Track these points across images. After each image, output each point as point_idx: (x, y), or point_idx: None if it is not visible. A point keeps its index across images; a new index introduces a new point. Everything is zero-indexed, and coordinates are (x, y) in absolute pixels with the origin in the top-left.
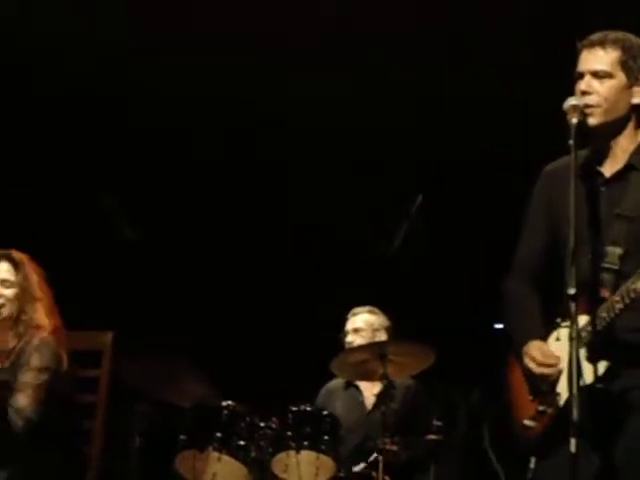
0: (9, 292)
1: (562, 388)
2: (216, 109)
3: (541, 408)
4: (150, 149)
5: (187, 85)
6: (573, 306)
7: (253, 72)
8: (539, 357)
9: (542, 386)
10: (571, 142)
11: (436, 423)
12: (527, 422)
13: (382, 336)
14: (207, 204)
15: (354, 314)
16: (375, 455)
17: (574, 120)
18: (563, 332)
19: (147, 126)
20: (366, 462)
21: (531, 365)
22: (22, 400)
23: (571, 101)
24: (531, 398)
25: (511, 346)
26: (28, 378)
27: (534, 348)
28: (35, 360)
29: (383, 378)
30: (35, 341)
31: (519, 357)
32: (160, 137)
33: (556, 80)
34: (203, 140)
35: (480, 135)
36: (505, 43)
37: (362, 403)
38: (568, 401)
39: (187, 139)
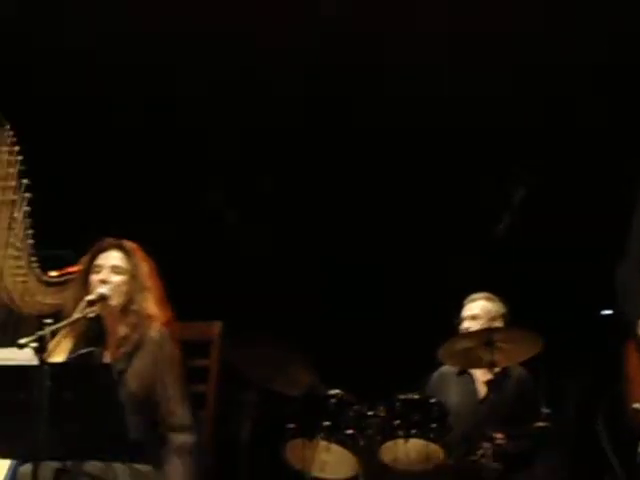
0: (118, 278)
1: None
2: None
3: None
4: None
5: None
6: None
7: None
8: None
9: None
10: None
11: (545, 410)
12: (636, 406)
13: (498, 323)
14: (318, 189)
15: (471, 300)
16: (485, 444)
17: None
18: None
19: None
20: (475, 451)
21: None
22: (179, 406)
23: None
24: None
25: (628, 333)
26: (173, 390)
27: None
28: (168, 367)
29: (490, 365)
30: (154, 335)
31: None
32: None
33: None
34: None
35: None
36: None
37: (474, 390)
38: None
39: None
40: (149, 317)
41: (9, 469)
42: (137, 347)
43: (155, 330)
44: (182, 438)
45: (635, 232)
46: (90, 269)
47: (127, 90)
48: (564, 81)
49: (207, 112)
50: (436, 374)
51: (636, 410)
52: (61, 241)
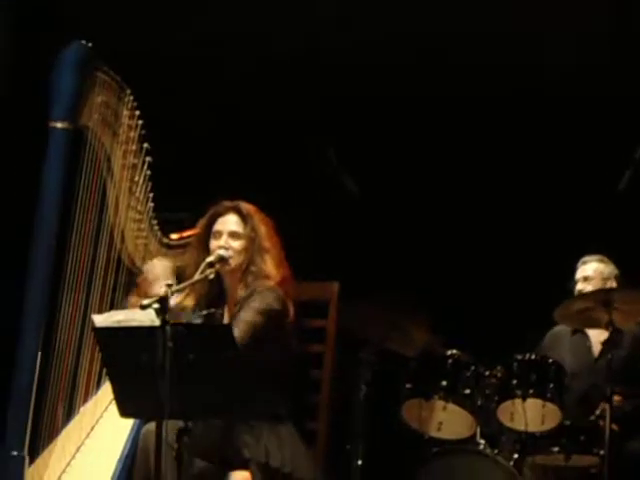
0: (237, 244)
1: None
2: None
3: None
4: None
5: None
6: None
7: None
8: None
9: None
10: None
11: None
12: None
13: (611, 284)
14: (429, 154)
15: (584, 262)
16: (602, 405)
17: None
18: None
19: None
20: (593, 411)
21: None
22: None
23: None
24: None
25: None
26: (245, 314)
27: None
28: (256, 302)
29: (608, 326)
30: (261, 287)
31: None
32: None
33: None
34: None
35: None
36: None
37: (590, 349)
38: None
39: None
40: (266, 277)
41: (132, 429)
42: (244, 301)
43: (265, 285)
44: None
45: None
46: (209, 233)
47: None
48: None
49: None
50: (550, 334)
51: None
52: (180, 204)
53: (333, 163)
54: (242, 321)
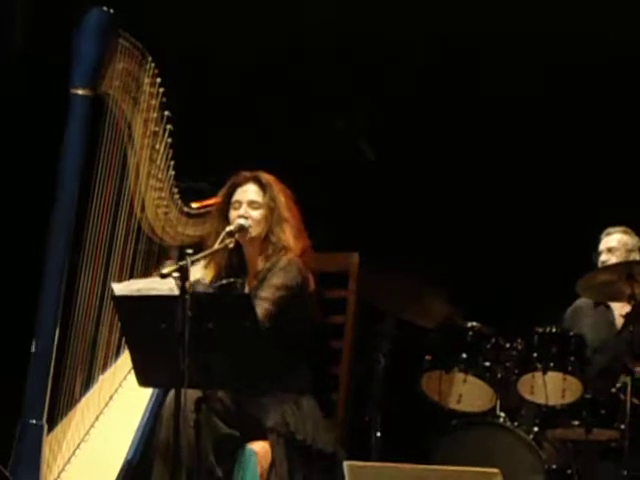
0: (257, 213)
1: None
2: None
3: None
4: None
5: None
6: None
7: None
8: None
9: None
10: None
11: None
12: None
13: (636, 257)
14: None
15: (608, 234)
16: (623, 378)
17: None
18: None
19: None
20: (614, 384)
21: None
22: (257, 312)
23: None
24: None
25: None
26: (266, 293)
27: None
28: (277, 279)
29: (631, 299)
30: (282, 262)
31: None
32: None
33: None
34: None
35: None
36: None
37: (612, 322)
38: None
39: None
40: (286, 248)
41: (151, 399)
42: (265, 276)
43: (285, 258)
44: None
45: None
46: (229, 203)
47: None
48: None
49: None
50: (572, 307)
51: None
52: (201, 173)
53: (349, 130)
54: (264, 298)
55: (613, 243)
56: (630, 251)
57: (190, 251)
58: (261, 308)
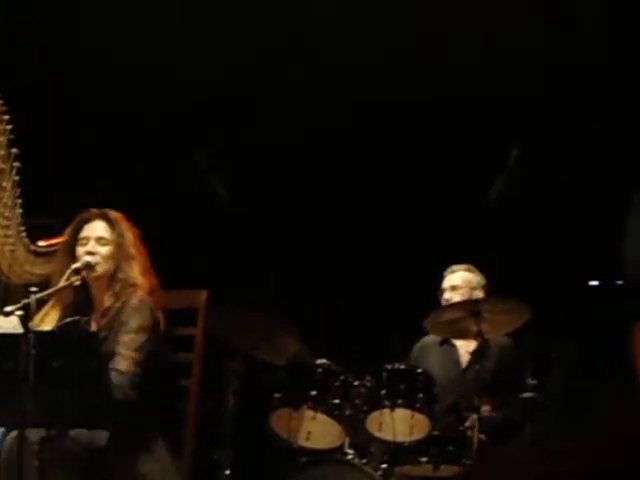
0: (105, 250)
1: None
2: None
3: None
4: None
5: None
6: None
7: None
8: None
9: None
10: None
11: (531, 381)
12: None
13: (479, 294)
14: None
15: (452, 272)
16: (470, 415)
17: None
18: None
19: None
20: (461, 421)
21: None
22: (122, 363)
23: None
24: None
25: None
26: (127, 340)
27: None
28: (134, 322)
29: (477, 336)
30: (134, 301)
31: None
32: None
33: None
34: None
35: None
36: None
37: (457, 360)
38: None
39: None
40: (134, 286)
41: None
42: (118, 315)
43: (136, 298)
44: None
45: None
46: (76, 240)
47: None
48: None
49: None
50: (418, 344)
51: None
52: (49, 210)
53: (203, 165)
54: (126, 346)
55: (457, 281)
56: (474, 289)
57: (35, 289)
58: (126, 358)
